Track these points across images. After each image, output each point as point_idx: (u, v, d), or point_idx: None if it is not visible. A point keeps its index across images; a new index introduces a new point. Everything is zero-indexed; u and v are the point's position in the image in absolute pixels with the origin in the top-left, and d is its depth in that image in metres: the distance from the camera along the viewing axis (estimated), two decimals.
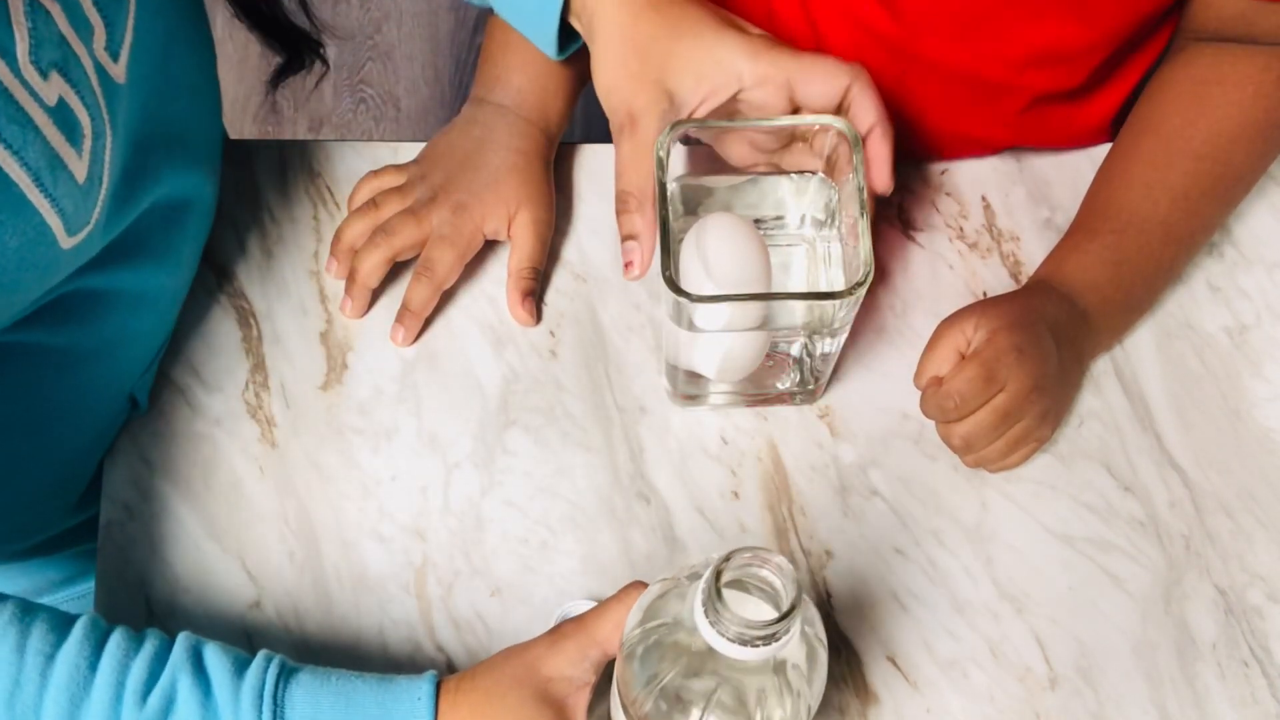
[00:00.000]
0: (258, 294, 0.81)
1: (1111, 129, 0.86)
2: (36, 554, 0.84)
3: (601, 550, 0.75)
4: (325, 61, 0.80)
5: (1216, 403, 0.79)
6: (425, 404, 0.78)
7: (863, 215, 0.66)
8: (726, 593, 0.50)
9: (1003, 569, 0.75)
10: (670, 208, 0.69)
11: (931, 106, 0.83)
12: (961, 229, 0.84)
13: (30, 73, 0.55)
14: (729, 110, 0.69)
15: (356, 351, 0.80)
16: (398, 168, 0.82)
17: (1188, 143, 0.78)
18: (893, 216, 0.84)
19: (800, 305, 0.68)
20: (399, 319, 0.79)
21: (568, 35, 0.72)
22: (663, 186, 0.66)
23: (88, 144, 0.59)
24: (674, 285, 0.64)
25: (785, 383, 0.76)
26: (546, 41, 0.72)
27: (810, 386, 0.76)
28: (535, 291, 0.80)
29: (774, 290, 0.70)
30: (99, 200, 0.61)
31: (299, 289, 0.81)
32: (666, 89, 0.68)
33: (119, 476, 0.76)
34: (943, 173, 0.86)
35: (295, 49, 0.77)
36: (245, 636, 0.73)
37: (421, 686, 0.61)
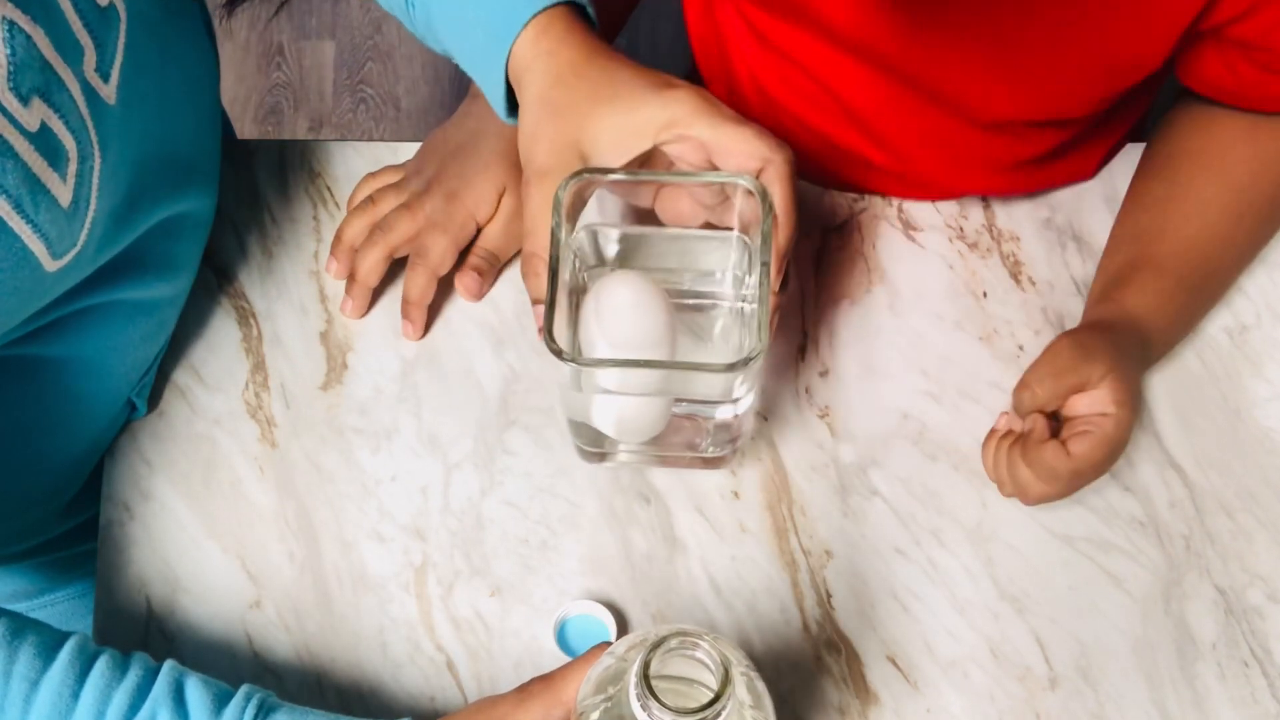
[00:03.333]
0: (258, 294, 0.81)
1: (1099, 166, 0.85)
2: (31, 556, 0.84)
3: (601, 550, 0.75)
4: None
5: (1216, 403, 0.79)
6: (425, 404, 0.78)
7: (764, 285, 0.62)
8: (669, 657, 0.52)
9: (1003, 569, 0.75)
10: (577, 259, 0.68)
11: (903, 169, 0.83)
12: (961, 229, 0.84)
13: (9, 100, 0.54)
14: (648, 164, 0.66)
15: (356, 351, 0.80)
16: (396, 166, 0.82)
17: (1256, 198, 0.78)
18: (893, 216, 0.84)
19: (688, 374, 0.64)
20: (404, 314, 0.79)
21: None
22: (554, 233, 0.63)
23: (73, 168, 0.58)
24: (552, 344, 0.61)
25: (697, 446, 0.71)
26: (497, 103, 0.70)
27: (720, 452, 0.72)
28: (486, 272, 0.80)
29: (683, 355, 0.67)
30: (86, 223, 0.61)
31: (299, 289, 0.81)
32: (581, 151, 0.66)
33: (119, 476, 0.76)
34: None
35: None
36: (245, 636, 0.73)
37: None
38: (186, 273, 0.77)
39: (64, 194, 0.58)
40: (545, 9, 0.66)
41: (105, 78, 0.61)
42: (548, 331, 0.61)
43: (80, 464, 0.76)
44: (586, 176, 0.64)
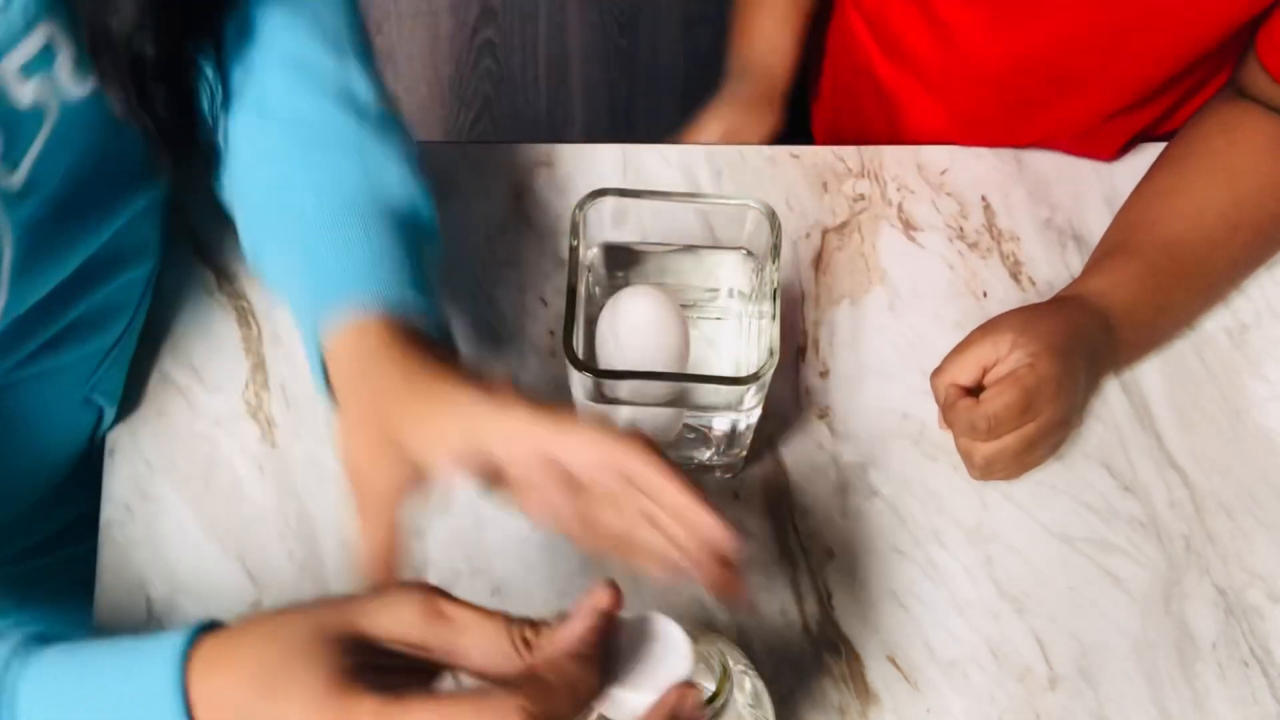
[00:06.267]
0: (258, 294, 0.81)
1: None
2: (22, 561, 0.82)
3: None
4: (206, 157, 0.69)
5: (1216, 403, 0.79)
6: None
7: (773, 302, 0.64)
8: None
9: (1003, 569, 0.75)
10: (591, 274, 0.69)
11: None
12: (961, 229, 0.84)
13: None
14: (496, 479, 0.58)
15: None
16: None
17: (1259, 214, 0.78)
18: (893, 216, 0.84)
19: (700, 386, 0.66)
20: None
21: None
22: (574, 252, 0.65)
23: None
24: (572, 356, 0.62)
25: (705, 455, 0.74)
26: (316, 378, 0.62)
27: (728, 461, 0.75)
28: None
29: (692, 366, 0.69)
30: None
31: None
32: (399, 445, 0.57)
33: (119, 476, 0.76)
34: (943, 173, 0.86)
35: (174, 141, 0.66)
36: None
37: (172, 641, 0.47)
38: (148, 262, 0.75)
39: None
40: (351, 321, 0.59)
41: (13, 166, 0.58)
42: (567, 344, 0.63)
43: (51, 471, 0.75)
44: (601, 196, 0.66)
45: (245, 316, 0.81)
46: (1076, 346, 0.73)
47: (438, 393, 0.57)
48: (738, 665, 0.56)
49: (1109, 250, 0.79)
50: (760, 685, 0.58)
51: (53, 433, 0.73)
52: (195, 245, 0.82)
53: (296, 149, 0.64)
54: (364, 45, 0.68)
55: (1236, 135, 0.78)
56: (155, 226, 0.77)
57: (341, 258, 0.60)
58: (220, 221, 0.81)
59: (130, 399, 0.78)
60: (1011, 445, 0.72)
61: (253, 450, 0.77)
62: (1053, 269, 0.83)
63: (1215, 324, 0.81)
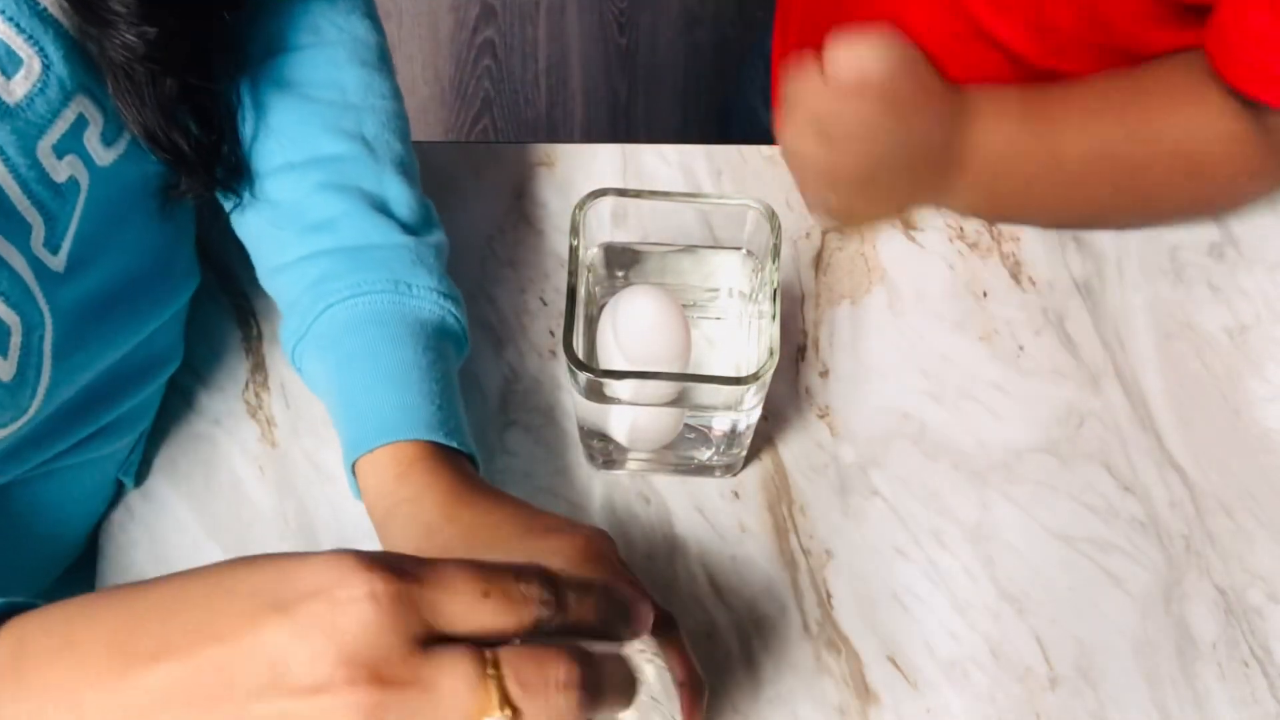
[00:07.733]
0: (258, 294, 0.81)
1: None
2: None
3: None
4: (228, 189, 0.70)
5: (1216, 403, 0.79)
6: None
7: (773, 302, 0.65)
8: None
9: (1003, 569, 0.75)
10: (591, 274, 0.69)
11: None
12: (961, 229, 0.84)
13: None
14: None
15: None
16: None
17: (1149, 143, 0.74)
18: None
19: (700, 385, 0.65)
20: None
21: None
22: (574, 252, 0.65)
23: (16, 340, 0.57)
24: (572, 356, 0.62)
25: (705, 455, 0.74)
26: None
27: (728, 461, 0.75)
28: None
29: (692, 366, 0.68)
30: (39, 388, 0.59)
31: None
32: None
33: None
34: None
35: (194, 170, 0.66)
36: None
37: None
38: (156, 402, 0.76)
39: (6, 370, 0.56)
40: (386, 445, 0.63)
41: (55, 250, 0.59)
42: (567, 344, 0.63)
43: (71, 546, 0.75)
44: (601, 196, 0.66)
45: (245, 316, 0.81)
46: (913, 132, 0.70)
47: (489, 521, 0.60)
48: (645, 653, 0.54)
49: (1016, 98, 0.75)
50: (669, 679, 0.55)
51: (80, 515, 0.74)
52: (196, 246, 0.82)
53: (325, 256, 0.67)
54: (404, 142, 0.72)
55: (1175, 91, 0.74)
56: (181, 324, 0.78)
57: (376, 406, 0.64)
58: (221, 223, 0.81)
59: None
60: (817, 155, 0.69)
61: (253, 450, 0.77)
62: (1053, 269, 0.83)
63: (1215, 324, 0.81)
